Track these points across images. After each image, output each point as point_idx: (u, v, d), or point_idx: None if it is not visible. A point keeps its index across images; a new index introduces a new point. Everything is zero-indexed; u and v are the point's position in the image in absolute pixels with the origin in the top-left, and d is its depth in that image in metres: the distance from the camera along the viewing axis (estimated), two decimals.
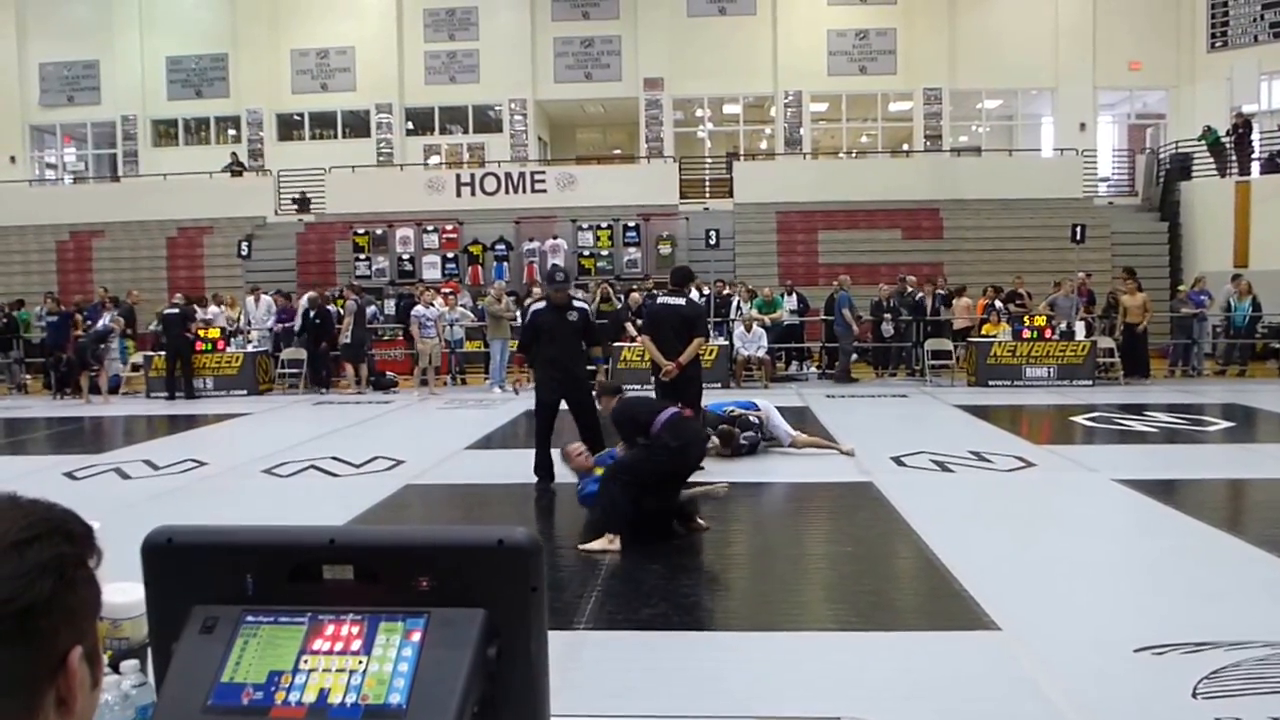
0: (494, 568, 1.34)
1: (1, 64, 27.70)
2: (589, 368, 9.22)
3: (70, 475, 9.35)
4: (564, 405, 8.37)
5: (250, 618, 1.35)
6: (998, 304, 17.58)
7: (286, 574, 1.37)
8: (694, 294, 17.26)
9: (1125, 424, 11.67)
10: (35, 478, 9.19)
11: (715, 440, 9.26)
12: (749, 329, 16.68)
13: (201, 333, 16.93)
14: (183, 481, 8.96)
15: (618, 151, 31.27)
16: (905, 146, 27.34)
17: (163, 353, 16.61)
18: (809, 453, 9.61)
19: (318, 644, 1.33)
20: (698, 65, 26.26)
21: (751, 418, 9.65)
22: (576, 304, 8.42)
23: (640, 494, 6.35)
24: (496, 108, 27.56)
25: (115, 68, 27.70)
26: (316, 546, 1.38)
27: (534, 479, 8.37)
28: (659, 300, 9.36)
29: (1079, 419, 12.19)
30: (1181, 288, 18.75)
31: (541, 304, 8.51)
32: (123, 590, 2.07)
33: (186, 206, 24.36)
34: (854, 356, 17.57)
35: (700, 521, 6.63)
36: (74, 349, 16.54)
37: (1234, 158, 22.35)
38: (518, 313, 15.15)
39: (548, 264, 21.54)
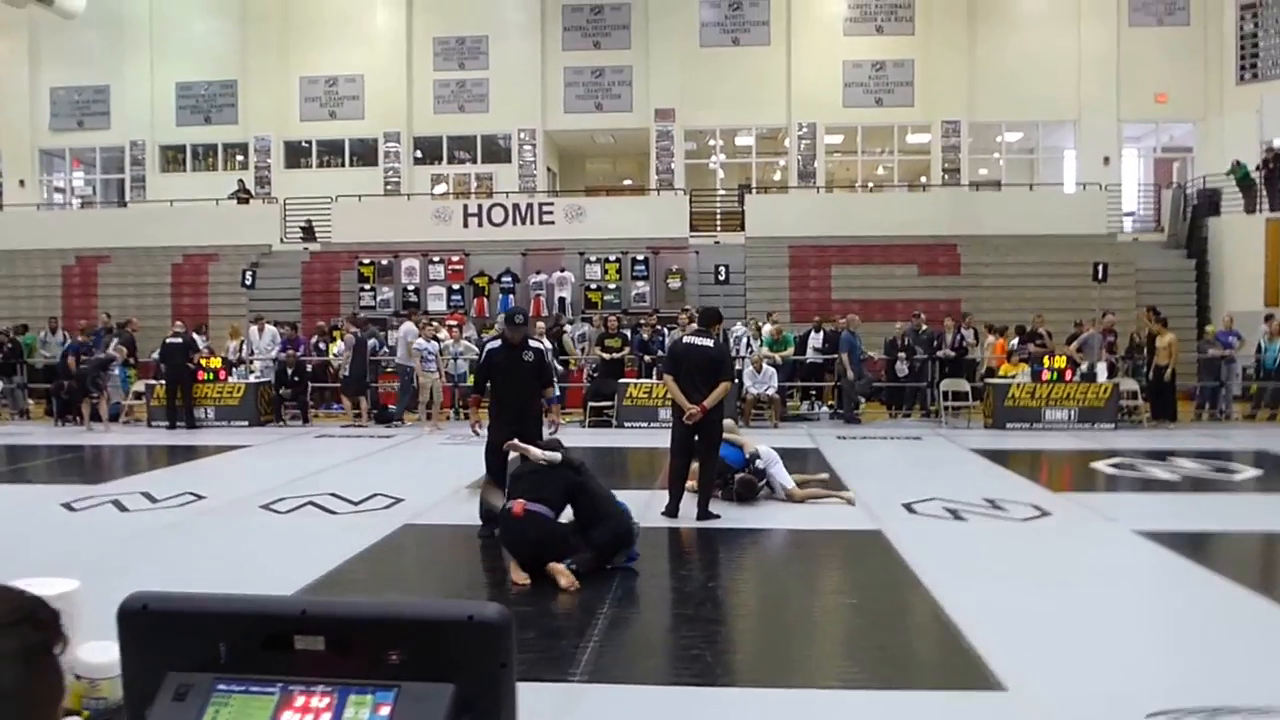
0: (464, 643, 1.37)
1: (13, 88, 27.98)
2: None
3: (68, 506, 9.20)
4: None
5: (221, 686, 1.39)
6: (1014, 343, 17.28)
7: (260, 642, 1.40)
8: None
9: (1148, 471, 11.37)
10: (34, 508, 9.11)
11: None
12: (759, 369, 16.42)
13: (204, 362, 16.84)
14: (180, 516, 8.83)
15: (628, 183, 31.20)
16: (922, 180, 27.18)
17: (164, 381, 16.51)
18: (813, 500, 9.33)
19: (287, 716, 1.36)
20: (710, 96, 26.26)
21: (758, 465, 9.35)
22: (532, 343, 8.25)
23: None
24: (505, 137, 27.65)
25: (125, 93, 27.96)
26: (289, 617, 1.42)
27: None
28: (684, 340, 9.07)
29: (1100, 465, 11.88)
30: (1209, 328, 18.43)
31: (497, 343, 8.34)
32: (102, 649, 2.01)
33: (192, 233, 24.41)
34: (862, 400, 17.32)
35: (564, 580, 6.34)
36: (75, 376, 16.47)
37: (1264, 193, 22.01)
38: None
39: (555, 297, 21.49)
